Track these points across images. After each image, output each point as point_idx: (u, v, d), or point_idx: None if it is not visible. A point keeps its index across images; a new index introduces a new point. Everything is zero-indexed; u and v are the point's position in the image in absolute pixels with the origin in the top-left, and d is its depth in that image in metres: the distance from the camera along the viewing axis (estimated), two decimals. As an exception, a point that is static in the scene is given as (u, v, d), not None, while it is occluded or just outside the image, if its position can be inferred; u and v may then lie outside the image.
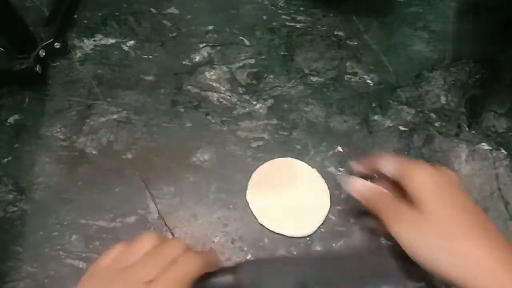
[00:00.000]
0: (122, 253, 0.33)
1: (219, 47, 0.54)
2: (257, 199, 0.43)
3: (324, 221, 0.42)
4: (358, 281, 0.36)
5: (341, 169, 0.45)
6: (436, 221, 0.31)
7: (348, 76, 0.51)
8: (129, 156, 0.46)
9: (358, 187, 0.38)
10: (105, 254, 0.33)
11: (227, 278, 0.34)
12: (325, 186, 0.44)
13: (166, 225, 0.42)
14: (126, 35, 0.55)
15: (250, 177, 0.44)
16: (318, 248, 0.41)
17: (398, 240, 0.33)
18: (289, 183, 0.44)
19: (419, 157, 0.45)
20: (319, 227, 0.41)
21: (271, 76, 0.51)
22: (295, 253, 0.40)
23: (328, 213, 0.42)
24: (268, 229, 0.41)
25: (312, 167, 0.45)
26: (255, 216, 0.42)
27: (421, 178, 0.34)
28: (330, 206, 0.42)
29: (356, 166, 0.41)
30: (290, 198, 0.43)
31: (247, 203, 0.43)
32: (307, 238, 0.41)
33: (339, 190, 0.43)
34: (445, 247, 0.31)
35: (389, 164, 0.37)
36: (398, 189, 0.36)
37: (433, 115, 0.48)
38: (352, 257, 0.37)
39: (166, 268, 0.31)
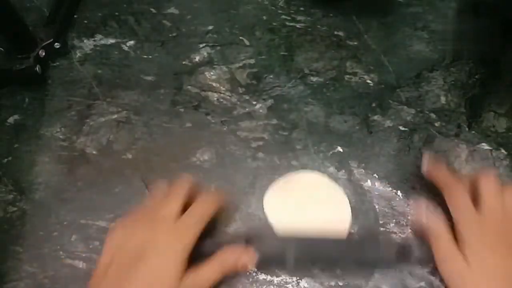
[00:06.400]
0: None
1: (219, 47, 0.54)
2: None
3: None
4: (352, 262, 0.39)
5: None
6: (480, 276, 0.35)
7: (348, 76, 0.51)
8: (129, 156, 0.46)
9: (420, 212, 0.40)
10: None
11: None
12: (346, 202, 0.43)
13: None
14: (126, 35, 0.55)
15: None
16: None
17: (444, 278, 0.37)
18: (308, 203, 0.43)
19: (419, 157, 0.45)
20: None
21: (271, 76, 0.51)
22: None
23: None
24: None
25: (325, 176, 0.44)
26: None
27: (473, 228, 0.37)
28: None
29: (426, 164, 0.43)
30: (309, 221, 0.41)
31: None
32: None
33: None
34: None
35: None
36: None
37: (433, 115, 0.48)
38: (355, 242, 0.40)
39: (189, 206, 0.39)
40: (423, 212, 0.40)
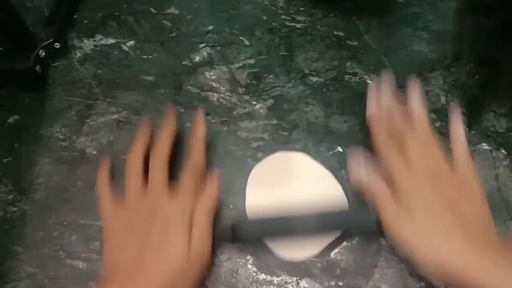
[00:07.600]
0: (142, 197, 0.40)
1: (219, 47, 0.54)
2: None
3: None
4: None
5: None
6: (424, 227, 0.36)
7: (348, 76, 0.51)
8: (129, 156, 0.46)
9: (359, 174, 0.41)
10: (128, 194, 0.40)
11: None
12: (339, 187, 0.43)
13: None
14: (126, 35, 0.55)
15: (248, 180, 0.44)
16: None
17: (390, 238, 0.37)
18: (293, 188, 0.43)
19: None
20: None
21: (271, 76, 0.51)
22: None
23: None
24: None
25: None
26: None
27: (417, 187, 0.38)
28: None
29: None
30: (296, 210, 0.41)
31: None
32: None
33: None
34: (430, 252, 0.35)
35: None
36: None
37: (433, 115, 0.48)
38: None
39: (198, 201, 0.39)
40: (362, 171, 0.41)
